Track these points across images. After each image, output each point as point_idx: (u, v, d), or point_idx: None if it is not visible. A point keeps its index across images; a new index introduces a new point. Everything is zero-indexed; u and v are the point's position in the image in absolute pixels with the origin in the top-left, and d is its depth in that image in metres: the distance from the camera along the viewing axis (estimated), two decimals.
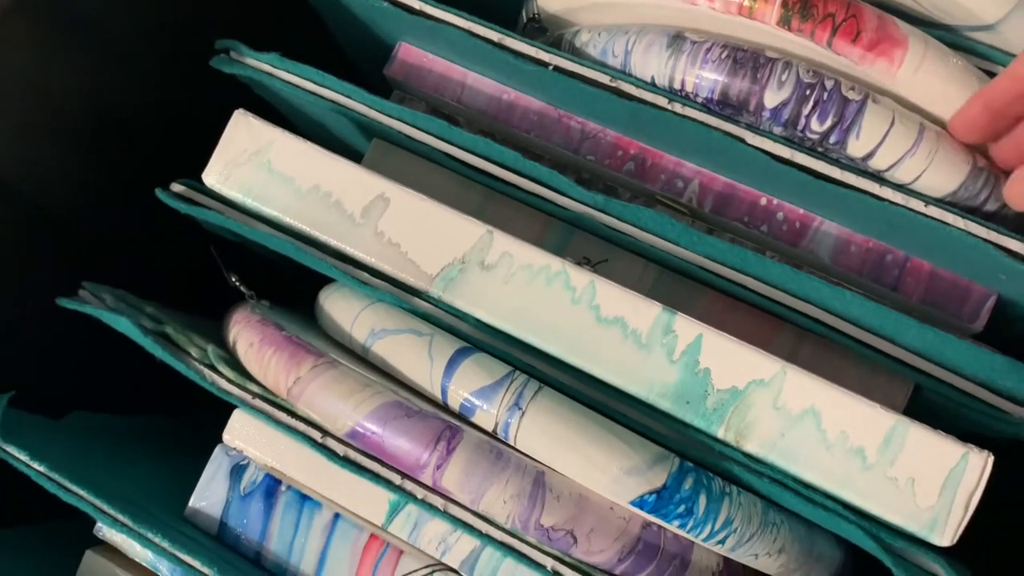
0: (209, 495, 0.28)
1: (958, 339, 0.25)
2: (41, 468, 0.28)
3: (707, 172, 0.30)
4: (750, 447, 0.23)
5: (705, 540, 0.24)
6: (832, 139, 0.26)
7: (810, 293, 0.26)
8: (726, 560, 0.27)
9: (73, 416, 0.33)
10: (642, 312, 0.24)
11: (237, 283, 0.33)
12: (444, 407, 0.26)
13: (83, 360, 0.35)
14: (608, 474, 0.24)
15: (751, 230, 0.30)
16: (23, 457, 0.28)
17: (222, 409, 0.29)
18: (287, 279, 0.32)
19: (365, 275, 0.28)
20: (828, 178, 0.26)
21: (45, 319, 0.31)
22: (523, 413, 0.24)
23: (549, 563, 0.26)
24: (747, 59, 0.26)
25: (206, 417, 0.31)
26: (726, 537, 0.24)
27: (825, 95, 0.26)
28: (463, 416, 0.25)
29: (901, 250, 0.29)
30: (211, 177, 0.27)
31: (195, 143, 0.29)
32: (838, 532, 0.25)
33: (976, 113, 0.25)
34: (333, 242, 0.26)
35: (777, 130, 0.27)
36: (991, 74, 0.27)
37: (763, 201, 0.30)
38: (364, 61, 0.36)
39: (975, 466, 0.22)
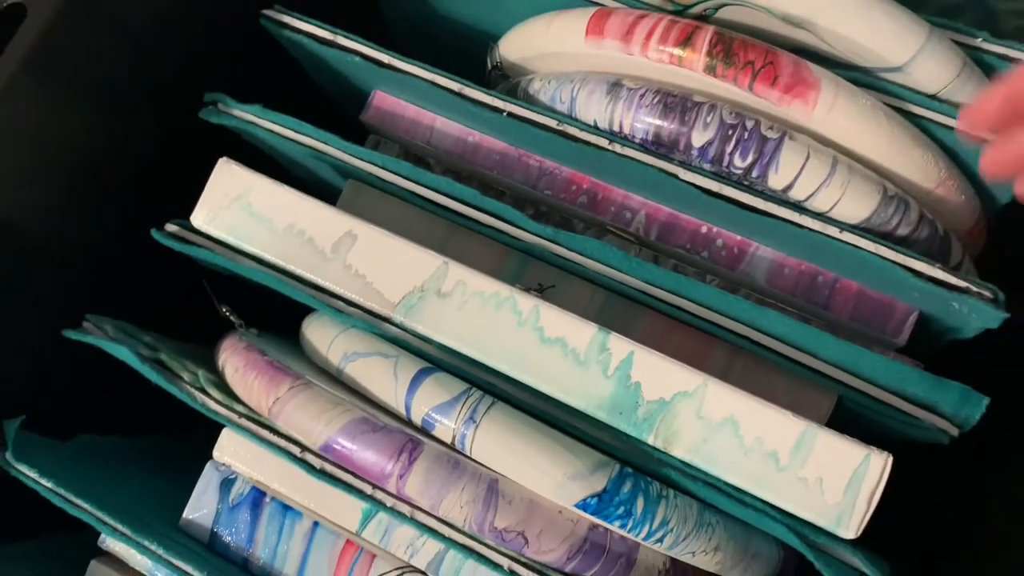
0: (201, 507, 0.31)
1: (872, 353, 0.28)
2: (49, 484, 0.31)
3: (652, 204, 0.33)
4: (677, 452, 0.25)
5: (644, 539, 0.27)
6: (754, 173, 0.29)
7: (739, 313, 0.28)
8: (672, 560, 0.30)
9: (80, 438, 0.35)
10: (580, 332, 0.26)
11: (228, 313, 0.36)
12: (408, 422, 0.28)
13: (89, 385, 0.38)
14: (554, 479, 0.26)
15: (693, 256, 0.32)
16: (33, 475, 0.31)
17: (216, 430, 0.32)
18: (276, 308, 0.35)
19: (340, 303, 0.31)
20: (753, 208, 0.29)
21: (53, 348, 0.33)
22: (477, 426, 0.27)
23: (505, 563, 0.28)
24: (676, 104, 0.29)
25: (204, 437, 0.33)
26: (663, 536, 0.27)
27: (746, 134, 0.28)
28: (424, 430, 0.28)
29: (830, 271, 0.31)
30: (198, 219, 0.30)
31: (190, 185, 0.32)
32: (766, 530, 0.27)
33: (997, 103, 0.24)
34: (308, 275, 0.29)
35: (706, 166, 0.30)
36: (901, 112, 0.30)
37: (703, 229, 0.33)
38: (344, 104, 0.39)
39: (876, 466, 0.24)
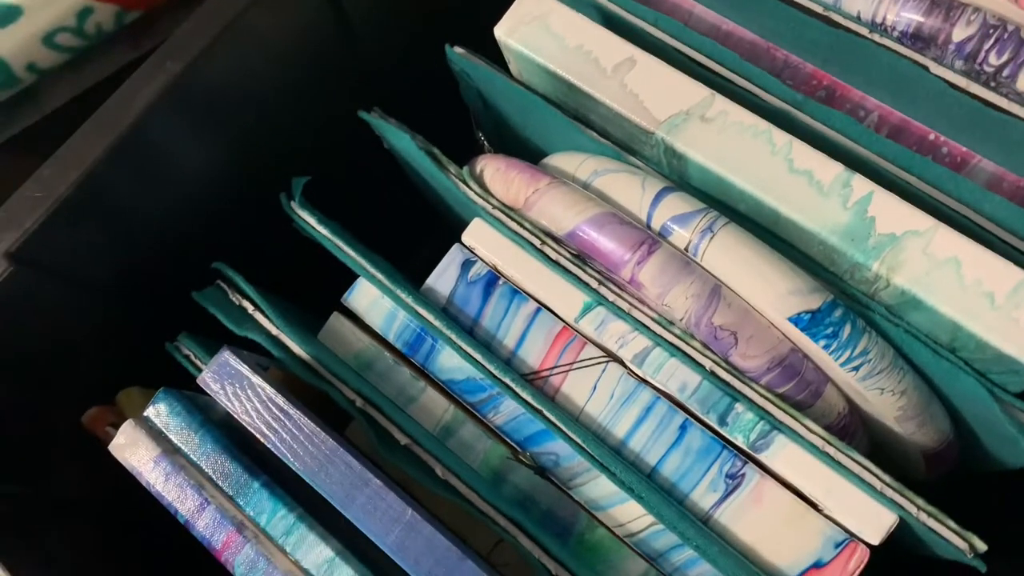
0: (441, 279, 0.36)
1: None
2: (325, 231, 0.36)
3: (886, 107, 0.36)
4: (898, 280, 0.28)
5: (843, 364, 0.30)
6: (1006, 72, 0.31)
7: (965, 194, 0.31)
8: (851, 408, 0.33)
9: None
10: (827, 168, 0.30)
11: (482, 139, 0.41)
12: (648, 229, 0.32)
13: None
14: (776, 290, 0.30)
15: None
16: (311, 220, 0.37)
17: None
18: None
19: (593, 134, 0.35)
20: (995, 106, 0.32)
21: (335, 126, 0.39)
22: (713, 236, 0.31)
23: (708, 364, 0.32)
24: (943, 2, 0.32)
25: None
26: (861, 365, 0.30)
27: (1006, 35, 0.31)
28: (663, 236, 0.32)
29: None
30: (501, 31, 0.35)
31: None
32: (956, 385, 0.30)
33: None
34: (586, 88, 0.33)
35: (959, 63, 0.32)
36: None
37: (931, 136, 0.35)
38: None
39: None
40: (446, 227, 0.38)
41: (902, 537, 0.31)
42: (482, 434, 0.35)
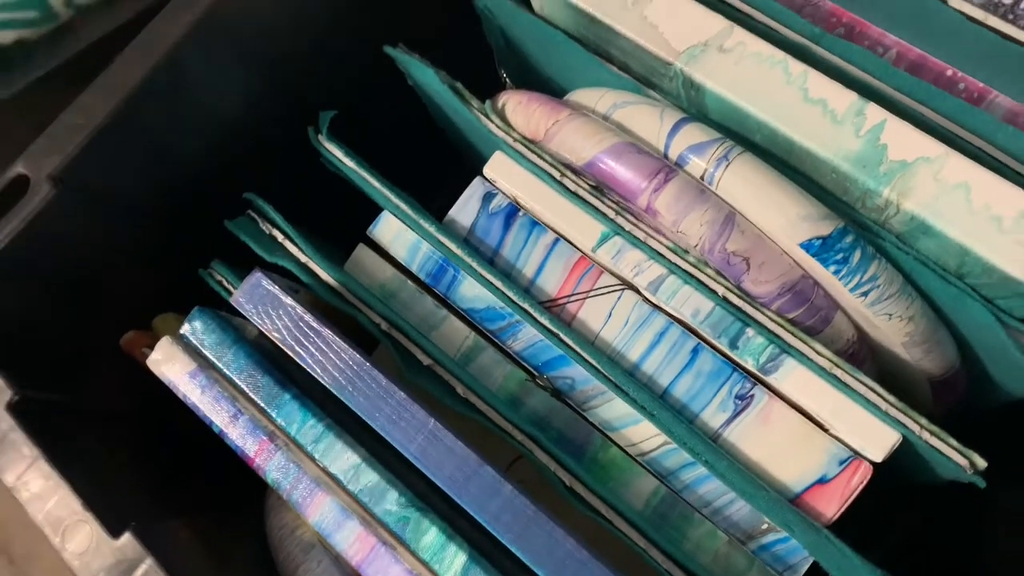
0: (463, 211, 0.37)
1: None
2: (351, 163, 0.38)
3: (905, 43, 0.36)
4: (908, 205, 0.29)
5: (852, 290, 0.31)
6: (1023, 5, 0.32)
7: (979, 126, 0.32)
8: (859, 337, 0.33)
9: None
10: (841, 97, 0.30)
11: (504, 77, 0.42)
12: (665, 158, 0.33)
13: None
14: (788, 216, 0.31)
15: None
16: (339, 153, 0.38)
17: None
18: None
19: (613, 68, 0.36)
20: (1013, 39, 0.32)
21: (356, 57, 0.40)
22: (728, 164, 0.32)
23: (720, 290, 0.33)
24: None
25: None
26: (870, 290, 0.31)
27: None
28: (679, 165, 0.33)
29: None
30: None
31: None
32: (963, 311, 0.31)
33: None
34: (607, 20, 0.34)
35: None
36: None
37: (948, 72, 0.36)
38: None
39: None
40: (468, 170, 0.39)
41: (904, 462, 0.32)
42: (501, 360, 0.36)
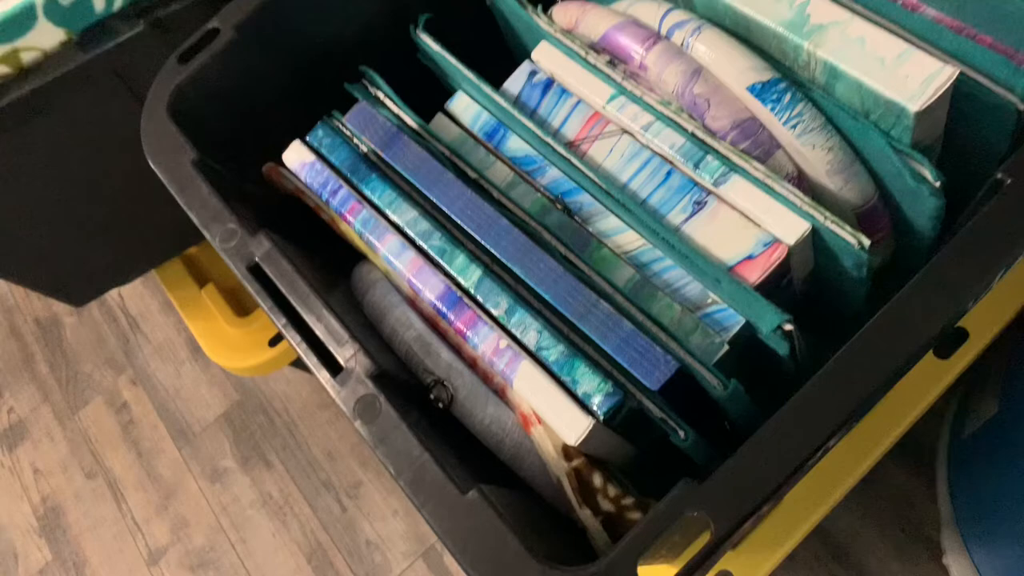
0: (514, 83, 0.50)
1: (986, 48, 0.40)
2: (439, 48, 0.52)
3: None
4: (821, 52, 0.40)
5: (784, 123, 0.42)
6: None
7: (879, 6, 0.42)
8: (799, 174, 0.44)
9: None
10: None
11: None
12: (657, 33, 0.46)
13: None
14: (737, 66, 0.42)
15: None
16: (430, 42, 0.52)
17: None
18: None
19: None
20: None
21: None
22: (699, 34, 0.43)
23: (690, 128, 0.44)
24: None
25: None
26: (797, 123, 0.41)
27: None
28: (667, 37, 0.45)
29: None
30: None
31: None
32: (868, 143, 0.41)
33: None
34: None
35: None
36: None
37: None
38: None
39: (945, 74, 0.37)
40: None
41: (816, 255, 0.42)
42: (530, 190, 0.48)
